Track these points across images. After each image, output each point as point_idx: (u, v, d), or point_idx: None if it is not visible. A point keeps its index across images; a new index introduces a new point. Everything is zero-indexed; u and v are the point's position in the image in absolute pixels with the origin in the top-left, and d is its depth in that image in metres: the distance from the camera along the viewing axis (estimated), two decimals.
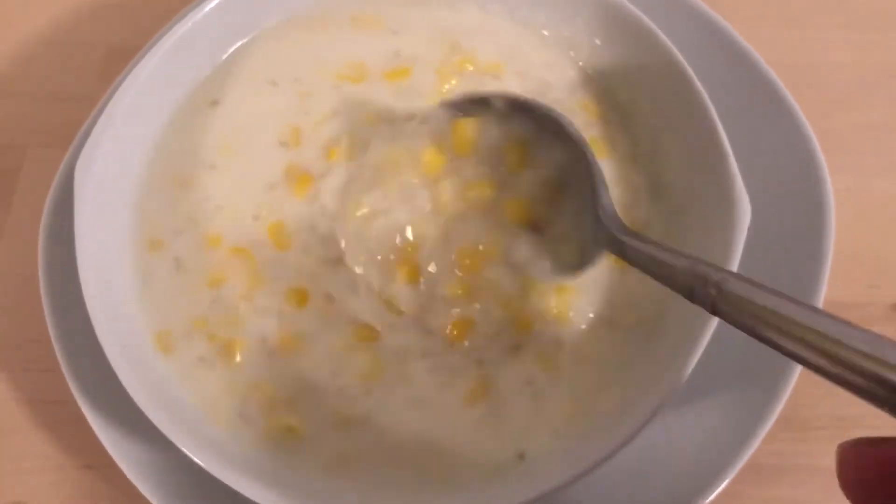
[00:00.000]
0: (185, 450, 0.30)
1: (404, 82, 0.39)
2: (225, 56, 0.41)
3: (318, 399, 0.33)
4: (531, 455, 0.32)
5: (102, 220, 0.35)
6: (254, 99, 0.39)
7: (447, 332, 0.34)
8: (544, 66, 0.40)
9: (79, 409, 0.35)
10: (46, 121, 0.47)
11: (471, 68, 0.39)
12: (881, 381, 0.18)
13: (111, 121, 0.36)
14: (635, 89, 0.39)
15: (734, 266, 0.31)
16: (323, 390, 0.33)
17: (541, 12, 0.41)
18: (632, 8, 0.38)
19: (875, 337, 0.19)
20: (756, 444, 0.34)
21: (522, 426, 0.32)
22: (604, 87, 0.40)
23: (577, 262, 0.33)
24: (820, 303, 0.36)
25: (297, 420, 0.33)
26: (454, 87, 0.39)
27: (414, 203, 0.36)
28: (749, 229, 0.32)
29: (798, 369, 0.35)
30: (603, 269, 0.35)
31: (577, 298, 0.34)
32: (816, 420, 0.38)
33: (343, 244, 0.35)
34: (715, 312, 0.23)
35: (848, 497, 0.18)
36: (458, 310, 0.34)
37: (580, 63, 0.40)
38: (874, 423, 0.20)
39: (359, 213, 0.36)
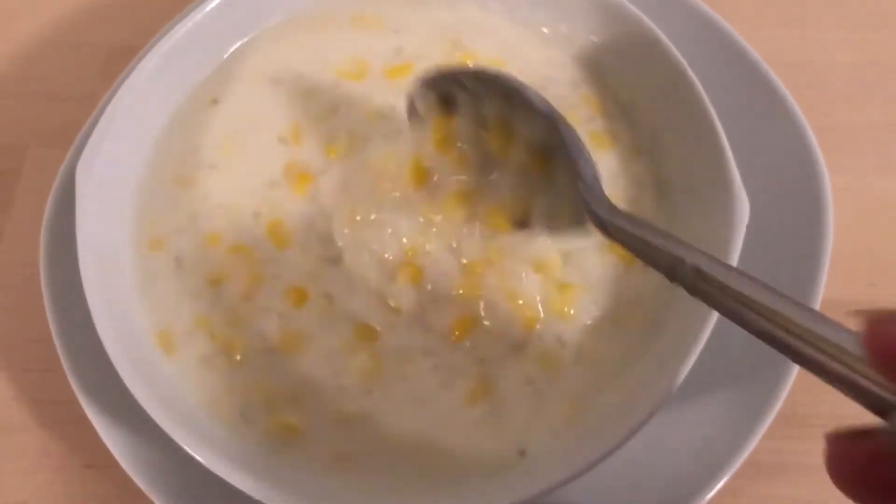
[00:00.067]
0: (186, 448, 0.30)
1: (405, 80, 0.39)
2: (226, 55, 0.41)
3: (319, 398, 0.33)
4: (531, 453, 0.32)
5: (103, 220, 0.35)
6: (254, 97, 0.40)
7: (448, 331, 0.34)
8: (545, 63, 0.40)
9: (80, 408, 0.35)
10: (47, 121, 0.48)
11: (472, 65, 0.39)
12: (840, 363, 0.20)
13: (112, 120, 0.36)
14: (635, 88, 0.39)
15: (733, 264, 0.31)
16: (323, 389, 0.33)
17: (540, 11, 0.41)
18: (631, 8, 0.38)
19: (834, 324, 0.20)
20: (755, 441, 0.34)
21: (523, 425, 0.33)
22: (604, 84, 0.40)
23: (576, 229, 0.32)
24: (818, 302, 0.36)
25: (298, 419, 0.33)
26: None
27: (415, 200, 0.36)
28: (748, 228, 0.32)
29: (796, 368, 0.35)
30: (607, 268, 0.35)
31: (580, 297, 0.34)
32: (815, 418, 0.38)
33: (342, 243, 0.35)
34: (694, 293, 0.24)
35: (840, 489, 0.19)
36: (459, 309, 0.34)
37: (581, 61, 0.40)
38: (874, 419, 0.20)
39: (359, 212, 0.36)
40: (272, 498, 0.29)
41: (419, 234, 0.35)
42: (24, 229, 0.44)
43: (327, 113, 0.39)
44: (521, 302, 0.34)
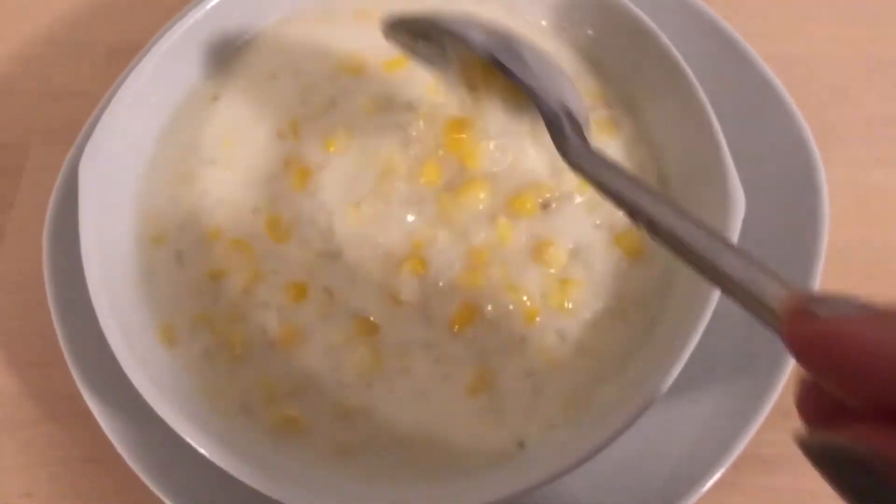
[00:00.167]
0: (189, 440, 0.30)
1: (403, 72, 0.39)
2: (226, 52, 0.41)
3: (319, 391, 0.34)
4: (531, 445, 0.32)
5: (106, 215, 0.35)
6: (253, 93, 0.40)
7: (449, 324, 0.34)
8: None
9: (84, 402, 0.36)
10: (49, 119, 0.48)
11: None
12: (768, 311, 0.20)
13: (114, 118, 0.36)
14: (632, 81, 0.39)
15: None
16: (324, 382, 0.34)
17: (539, 4, 0.41)
18: (627, 3, 0.38)
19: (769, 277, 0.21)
20: (752, 433, 0.34)
21: (522, 417, 0.33)
22: (603, 77, 0.40)
23: None
24: None
25: (299, 411, 0.33)
26: None
27: (415, 194, 0.36)
28: (744, 221, 0.32)
29: (793, 361, 0.35)
30: (610, 263, 0.35)
31: (583, 292, 0.35)
32: None
33: (342, 237, 0.36)
34: (653, 238, 0.25)
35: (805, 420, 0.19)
36: (461, 301, 0.34)
37: (580, 54, 0.41)
38: None
39: (362, 205, 0.36)
40: (274, 489, 0.30)
41: (424, 227, 0.35)
42: (27, 226, 0.45)
43: (326, 107, 0.39)
44: (522, 295, 0.34)
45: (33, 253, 0.40)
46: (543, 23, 0.42)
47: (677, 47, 0.37)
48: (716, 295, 0.31)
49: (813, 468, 0.19)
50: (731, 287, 0.22)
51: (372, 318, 0.34)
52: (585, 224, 0.36)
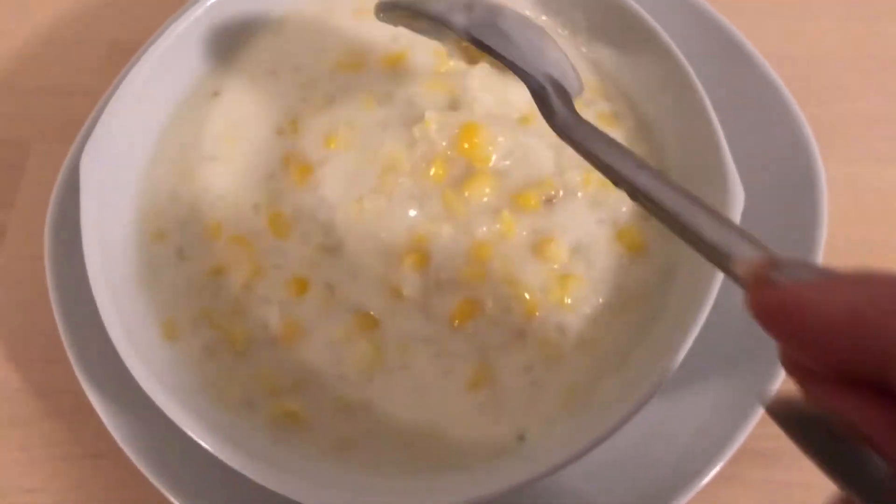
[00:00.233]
0: (191, 433, 0.30)
1: (402, 67, 0.39)
2: (226, 49, 0.41)
3: (321, 386, 0.34)
4: (530, 438, 0.32)
5: (107, 212, 0.36)
6: (253, 89, 0.40)
7: (449, 318, 0.34)
8: None
9: (86, 398, 0.36)
10: (50, 116, 0.48)
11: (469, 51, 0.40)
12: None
13: (115, 114, 0.36)
14: (632, 77, 0.39)
15: None
16: (325, 377, 0.34)
17: None
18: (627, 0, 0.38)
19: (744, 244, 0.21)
20: (751, 427, 0.35)
21: (522, 410, 0.33)
22: (603, 72, 0.40)
23: None
24: None
25: (300, 406, 0.33)
26: (453, 69, 0.39)
27: (418, 189, 0.36)
28: (742, 217, 0.32)
29: None
30: (611, 258, 0.35)
31: (583, 287, 0.35)
32: None
33: (343, 232, 0.36)
34: (634, 200, 0.26)
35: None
36: (462, 296, 0.34)
37: (582, 49, 0.41)
38: None
39: (361, 201, 0.36)
40: (276, 483, 0.30)
41: (426, 222, 0.36)
42: (28, 223, 0.45)
43: (326, 104, 0.39)
44: (523, 290, 0.34)
45: (35, 249, 0.40)
46: (543, 17, 0.42)
47: (677, 45, 0.37)
48: (715, 290, 0.31)
49: (810, 463, 0.19)
50: (706, 251, 0.22)
51: (373, 313, 0.35)
52: (588, 220, 0.36)
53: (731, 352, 0.36)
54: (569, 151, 0.36)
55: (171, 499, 0.34)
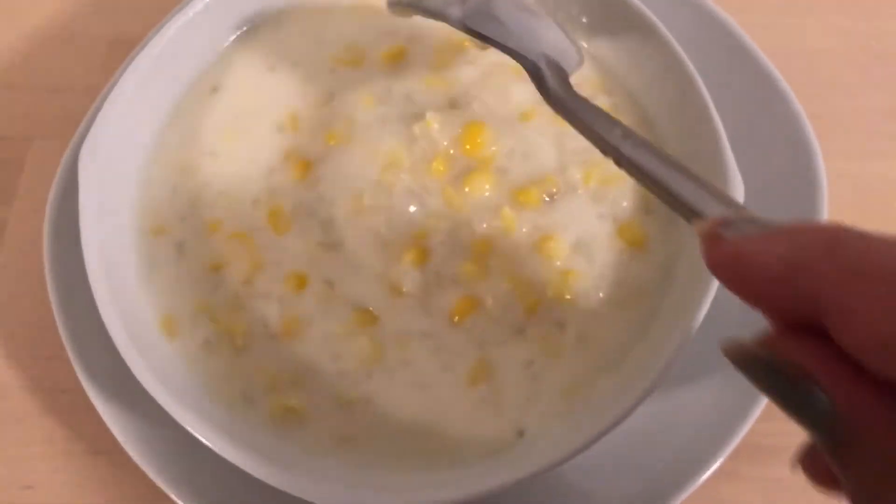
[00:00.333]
0: (190, 430, 0.30)
1: (401, 63, 0.39)
2: (226, 44, 0.41)
3: (320, 381, 0.34)
4: (530, 433, 0.32)
5: (106, 208, 0.35)
6: (253, 85, 0.40)
7: (449, 314, 0.34)
8: None
9: (85, 395, 0.36)
10: (50, 112, 0.48)
11: (468, 45, 0.40)
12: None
13: (114, 110, 0.36)
14: (632, 72, 0.39)
15: None
16: (324, 373, 0.34)
17: None
18: None
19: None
20: (750, 423, 0.35)
21: (521, 406, 0.33)
22: (603, 68, 0.40)
23: None
24: None
25: (300, 401, 0.33)
26: (452, 64, 0.39)
27: (418, 185, 0.36)
28: None
29: None
30: (612, 254, 0.35)
31: (583, 283, 0.35)
32: None
33: (343, 228, 0.36)
34: (619, 167, 0.27)
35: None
36: (461, 291, 0.34)
37: (582, 44, 0.41)
38: None
39: (361, 197, 0.36)
40: (275, 478, 0.30)
41: (427, 217, 0.36)
42: (27, 219, 0.45)
43: (325, 100, 0.39)
44: (523, 286, 0.34)
45: (34, 246, 0.40)
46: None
47: (678, 40, 0.37)
48: (715, 286, 0.31)
49: None
50: (683, 212, 0.24)
51: (372, 309, 0.35)
52: (589, 215, 0.36)
53: None
54: (570, 148, 0.37)
55: (171, 495, 0.34)
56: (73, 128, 0.41)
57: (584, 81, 0.39)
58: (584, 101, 0.31)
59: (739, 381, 0.35)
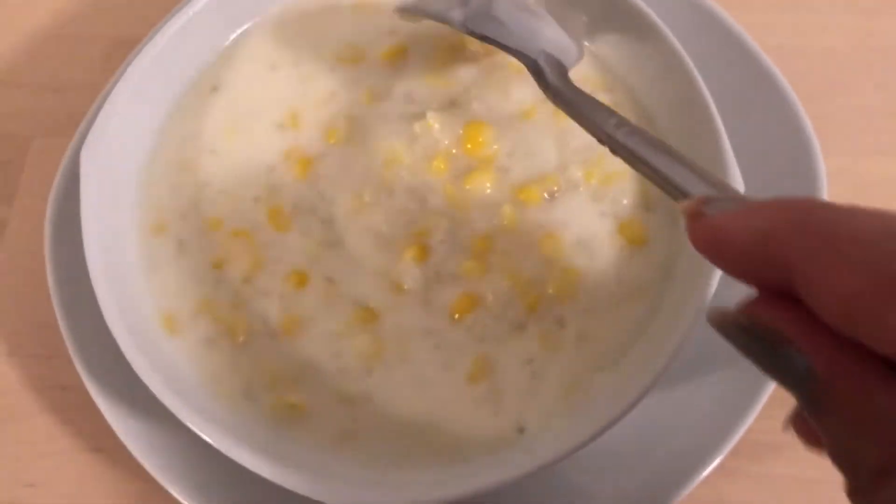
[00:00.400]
0: (192, 426, 0.30)
1: (401, 61, 0.39)
2: (227, 43, 0.41)
3: (321, 378, 0.34)
4: (530, 430, 0.32)
5: (107, 205, 0.36)
6: (253, 83, 0.40)
7: (450, 311, 0.34)
8: None
9: (86, 393, 0.36)
10: (51, 111, 0.48)
11: (468, 44, 0.40)
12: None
13: (114, 109, 0.36)
14: (632, 71, 0.39)
15: None
16: (325, 370, 0.34)
17: None
18: None
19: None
20: (750, 420, 0.35)
21: (522, 403, 0.33)
22: (603, 66, 0.40)
23: None
24: None
25: (300, 398, 0.34)
26: (452, 63, 0.39)
27: (419, 183, 0.36)
28: None
29: None
30: (613, 251, 0.35)
31: (584, 280, 0.35)
32: None
33: (343, 226, 0.36)
34: (614, 154, 0.29)
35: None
36: (462, 288, 0.34)
37: (584, 42, 0.41)
38: None
39: (362, 195, 0.36)
40: (276, 475, 0.30)
41: (427, 215, 0.36)
42: (28, 218, 0.45)
43: (326, 98, 0.39)
44: (523, 283, 0.34)
45: (35, 244, 0.40)
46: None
47: (678, 38, 0.37)
48: (715, 283, 0.31)
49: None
50: (673, 194, 0.25)
51: (373, 306, 0.35)
52: (590, 213, 0.36)
53: (730, 345, 0.36)
54: (571, 146, 0.37)
55: (172, 492, 0.34)
56: (74, 127, 0.41)
57: (585, 80, 0.39)
58: (582, 94, 0.32)
59: (740, 379, 0.36)
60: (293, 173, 0.37)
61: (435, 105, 0.38)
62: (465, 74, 0.39)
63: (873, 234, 0.17)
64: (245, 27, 0.42)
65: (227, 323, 0.35)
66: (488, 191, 0.36)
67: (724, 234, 0.20)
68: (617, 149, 0.28)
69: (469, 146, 0.37)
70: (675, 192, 0.25)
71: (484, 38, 0.35)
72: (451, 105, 0.38)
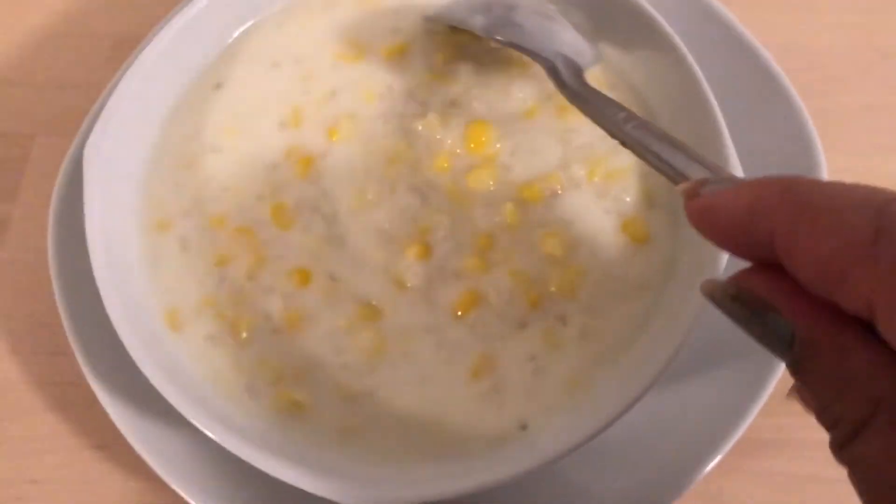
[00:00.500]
0: (195, 422, 0.30)
1: (403, 59, 0.40)
2: (229, 40, 0.41)
3: (323, 375, 0.34)
4: (533, 427, 0.32)
5: (111, 202, 0.36)
6: (256, 81, 0.40)
7: (452, 308, 0.34)
8: None
9: (90, 390, 0.36)
10: (54, 109, 0.48)
11: (469, 42, 0.40)
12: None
13: (118, 106, 0.37)
14: (634, 69, 0.39)
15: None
16: (327, 367, 0.34)
17: None
18: None
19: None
20: (752, 417, 0.35)
21: (524, 400, 0.33)
22: (605, 64, 0.40)
23: None
24: None
25: (303, 394, 0.34)
26: (454, 62, 0.40)
27: (421, 180, 0.37)
28: None
29: None
30: (615, 249, 0.35)
31: (586, 277, 0.35)
32: None
33: (346, 223, 0.36)
34: (624, 147, 0.30)
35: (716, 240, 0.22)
36: (464, 285, 0.35)
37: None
38: None
39: (364, 192, 0.36)
40: (280, 471, 0.30)
41: (430, 212, 0.36)
42: (32, 215, 0.45)
43: (328, 96, 0.39)
44: (526, 280, 0.35)
45: (38, 241, 0.40)
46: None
47: (680, 36, 0.37)
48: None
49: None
50: (675, 178, 0.26)
51: (375, 303, 0.35)
52: (593, 210, 0.36)
53: (732, 342, 0.36)
54: (574, 144, 0.37)
55: (176, 488, 0.34)
56: (77, 124, 0.41)
57: (591, 79, 0.39)
58: (595, 92, 0.34)
59: (741, 376, 0.36)
60: (296, 171, 0.37)
61: (436, 103, 0.38)
62: (466, 73, 0.39)
63: (847, 203, 0.19)
64: (248, 25, 0.42)
65: (231, 320, 0.35)
66: (491, 188, 0.36)
67: (715, 210, 0.22)
68: (627, 142, 0.30)
69: (472, 145, 0.37)
70: (677, 176, 0.27)
71: (504, 43, 0.37)
72: (453, 104, 0.38)
